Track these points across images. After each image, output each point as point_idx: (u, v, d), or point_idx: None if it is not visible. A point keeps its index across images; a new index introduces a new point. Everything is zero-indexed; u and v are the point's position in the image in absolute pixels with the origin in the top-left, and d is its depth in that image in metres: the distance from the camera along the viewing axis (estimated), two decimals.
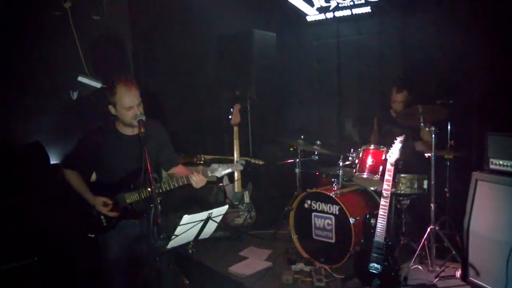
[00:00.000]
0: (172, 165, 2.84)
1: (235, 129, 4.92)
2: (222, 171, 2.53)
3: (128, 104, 2.51)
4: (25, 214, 3.43)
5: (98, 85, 4.50)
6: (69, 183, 2.69)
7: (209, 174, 2.55)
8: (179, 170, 2.83)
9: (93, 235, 2.70)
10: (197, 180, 2.56)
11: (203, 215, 2.32)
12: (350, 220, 3.57)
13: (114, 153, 2.62)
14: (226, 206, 2.46)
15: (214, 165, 2.55)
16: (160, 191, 2.58)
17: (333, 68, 5.52)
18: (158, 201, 2.31)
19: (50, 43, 4.33)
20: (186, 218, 2.21)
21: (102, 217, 2.66)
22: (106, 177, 2.68)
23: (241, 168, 2.64)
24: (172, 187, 2.59)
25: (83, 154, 2.66)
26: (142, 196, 2.59)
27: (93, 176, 2.84)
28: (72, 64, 4.49)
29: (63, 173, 2.70)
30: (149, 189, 2.41)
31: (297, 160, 4.57)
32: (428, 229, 3.50)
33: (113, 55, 5.03)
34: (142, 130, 2.45)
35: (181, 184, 2.58)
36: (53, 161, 4.15)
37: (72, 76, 4.46)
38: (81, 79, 4.39)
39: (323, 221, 3.82)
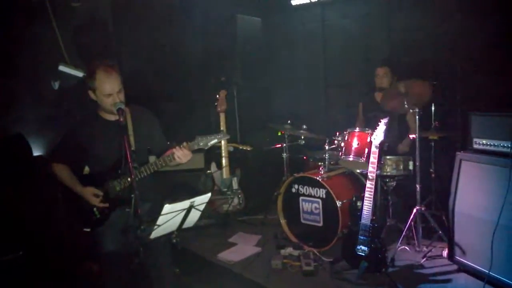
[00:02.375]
0: (162, 150, 2.75)
1: (222, 115, 4.87)
2: (208, 141, 2.50)
3: (108, 91, 2.46)
4: (9, 208, 3.38)
5: (80, 74, 4.40)
6: (58, 177, 2.62)
7: (195, 147, 2.51)
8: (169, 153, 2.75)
9: (89, 229, 2.63)
10: (181, 155, 2.50)
11: (185, 204, 2.29)
12: (337, 203, 3.57)
13: (101, 141, 2.57)
14: (209, 194, 2.42)
15: (199, 137, 2.52)
16: (148, 172, 2.55)
17: (319, 52, 5.48)
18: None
19: (29, 32, 4.22)
20: (167, 207, 2.18)
21: (94, 209, 2.60)
22: (95, 166, 2.64)
23: (228, 137, 2.63)
24: (159, 166, 2.55)
25: (70, 146, 2.61)
26: (124, 185, 2.55)
27: (86, 168, 2.78)
28: (52, 53, 4.38)
29: (51, 167, 2.63)
30: (129, 179, 2.36)
31: (284, 145, 4.56)
32: (414, 210, 3.53)
33: (95, 42, 4.91)
34: (122, 119, 2.39)
35: (168, 162, 2.52)
36: (36, 152, 4.08)
37: (53, 66, 4.36)
38: (62, 68, 4.27)
39: (311, 205, 3.83)
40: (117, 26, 5.18)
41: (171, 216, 2.25)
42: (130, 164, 2.30)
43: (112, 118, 2.59)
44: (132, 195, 2.27)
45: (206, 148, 2.55)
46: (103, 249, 2.61)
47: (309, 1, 5.25)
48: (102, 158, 2.59)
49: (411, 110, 3.55)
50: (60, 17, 4.36)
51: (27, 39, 4.22)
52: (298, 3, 5.33)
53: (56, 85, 4.51)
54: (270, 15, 5.66)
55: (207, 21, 5.41)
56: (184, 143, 2.53)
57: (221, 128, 4.85)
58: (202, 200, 2.37)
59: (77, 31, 4.62)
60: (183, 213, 2.32)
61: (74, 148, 2.59)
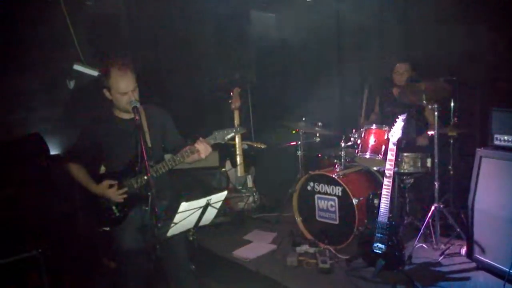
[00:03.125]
0: (178, 148, 2.70)
1: (236, 113, 4.87)
2: (225, 136, 2.53)
3: (123, 90, 2.47)
4: (26, 206, 3.43)
5: (94, 73, 4.43)
6: (73, 177, 2.63)
7: (212, 142, 2.53)
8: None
9: (108, 228, 2.64)
10: (202, 148, 2.50)
11: (202, 202, 2.29)
12: (353, 201, 3.54)
13: (116, 139, 2.59)
14: (225, 192, 2.42)
15: (215, 132, 2.54)
16: (166, 169, 2.56)
17: (334, 47, 5.42)
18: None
19: (44, 32, 4.27)
20: (184, 205, 2.19)
21: (113, 207, 2.61)
22: (111, 165, 2.65)
23: (244, 130, 2.67)
24: (177, 162, 2.55)
25: (85, 145, 2.62)
26: (140, 183, 2.56)
27: (102, 168, 2.79)
28: (67, 52, 4.43)
29: (66, 167, 2.65)
30: (145, 177, 2.37)
31: (299, 142, 4.53)
32: (432, 208, 3.47)
33: (109, 40, 4.95)
34: (137, 117, 2.39)
35: (185, 156, 2.53)
36: (53, 151, 4.14)
37: (68, 65, 4.40)
38: (76, 67, 4.32)
39: (327, 202, 3.80)
40: (130, 23, 5.21)
41: (188, 214, 2.26)
42: (146, 162, 2.31)
43: (127, 116, 2.60)
44: (149, 193, 2.28)
45: (223, 142, 2.56)
46: (121, 247, 2.62)
47: None
48: (118, 157, 2.60)
49: (429, 106, 3.48)
50: (74, 16, 4.40)
51: (41, 38, 4.28)
52: None
53: (71, 84, 4.56)
54: (284, 10, 5.61)
55: (221, 17, 5.39)
56: (200, 138, 2.54)
57: (235, 125, 4.85)
58: (218, 198, 2.37)
59: (91, 29, 4.66)
60: (200, 211, 2.33)
61: (89, 147, 2.61)
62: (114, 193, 2.56)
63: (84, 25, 4.57)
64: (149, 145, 2.58)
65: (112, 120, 2.62)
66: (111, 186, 2.57)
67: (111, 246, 2.75)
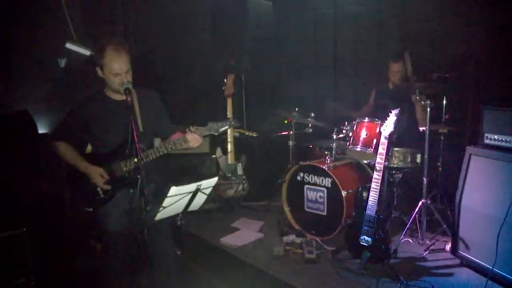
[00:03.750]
0: (169, 134, 2.75)
1: (229, 100, 4.84)
2: (219, 128, 2.53)
3: (116, 70, 2.43)
4: (13, 184, 3.37)
5: (87, 52, 4.35)
6: (61, 156, 2.58)
7: (206, 133, 2.54)
8: (176, 136, 2.72)
9: (91, 209, 2.60)
10: (192, 139, 2.51)
11: (192, 187, 2.28)
12: (342, 193, 3.55)
13: (106, 120, 2.55)
14: (216, 178, 2.41)
15: (210, 123, 2.54)
16: (157, 155, 2.54)
17: (330, 38, 5.39)
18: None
19: (36, 8, 4.17)
20: (173, 189, 2.17)
21: (98, 188, 2.57)
22: (100, 146, 2.61)
23: (238, 124, 2.68)
24: (168, 149, 2.55)
25: (73, 124, 2.59)
26: (130, 167, 2.53)
27: (88, 147, 2.75)
28: (59, 30, 4.33)
29: (53, 145, 2.60)
30: (135, 159, 2.34)
31: (291, 132, 4.52)
32: (420, 203, 3.50)
33: (102, 20, 4.86)
34: (129, 99, 2.35)
35: (178, 145, 2.54)
36: (41, 130, 4.07)
37: (60, 43, 4.31)
38: (69, 45, 4.23)
39: (315, 193, 3.81)
40: (125, 6, 5.12)
41: (177, 198, 2.25)
42: (137, 145, 2.27)
43: (119, 98, 2.56)
44: (138, 176, 2.25)
45: (216, 134, 2.56)
46: (107, 229, 2.59)
47: None
48: (107, 138, 2.57)
49: (422, 102, 3.49)
50: None
51: (34, 16, 4.17)
52: None
53: (62, 63, 4.48)
54: None
55: (217, 3, 5.31)
56: (191, 128, 2.53)
57: (228, 113, 4.82)
58: (208, 184, 2.36)
59: (84, 8, 4.56)
60: (189, 196, 2.31)
61: (78, 126, 2.57)
62: (100, 182, 2.53)
63: (78, 5, 4.47)
64: (140, 129, 2.54)
65: (102, 100, 2.58)
66: (102, 175, 2.53)
67: (97, 227, 2.72)
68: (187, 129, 2.55)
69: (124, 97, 2.39)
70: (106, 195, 2.59)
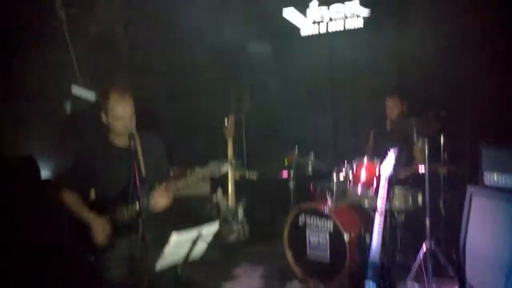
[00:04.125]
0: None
1: (230, 141, 4.88)
2: (221, 169, 2.54)
3: (120, 114, 2.49)
4: (14, 232, 3.35)
5: (92, 97, 4.46)
6: (66, 204, 2.59)
7: (209, 176, 2.56)
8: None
9: (93, 257, 2.56)
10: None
11: (193, 233, 2.24)
12: (345, 236, 3.51)
13: (110, 167, 2.58)
14: (217, 224, 2.38)
15: (212, 163, 2.55)
16: None
17: (327, 80, 5.52)
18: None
19: (44, 54, 4.30)
20: (175, 236, 2.14)
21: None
22: (103, 192, 2.63)
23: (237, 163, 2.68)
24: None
25: (79, 172, 2.62)
26: (132, 213, 2.53)
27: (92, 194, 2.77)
28: (66, 75, 4.45)
29: (59, 194, 2.61)
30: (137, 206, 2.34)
31: (291, 173, 4.52)
32: (424, 247, 3.45)
33: (108, 66, 5.00)
34: (132, 145, 2.39)
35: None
36: (45, 176, 4.08)
37: (66, 88, 4.42)
38: (75, 91, 4.34)
39: (318, 237, 3.75)
40: (130, 51, 5.28)
41: (178, 247, 2.22)
42: (139, 190, 2.28)
43: (122, 142, 2.58)
44: (139, 222, 2.24)
45: (217, 176, 2.57)
46: (107, 277, 2.54)
47: (317, 32, 5.33)
48: (109, 184, 2.58)
49: (420, 141, 3.51)
50: (75, 40, 4.44)
51: (42, 61, 4.29)
52: (307, 34, 5.41)
53: (68, 108, 4.56)
54: (280, 43, 5.73)
55: (218, 48, 5.49)
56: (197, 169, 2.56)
57: (228, 153, 4.85)
58: (210, 230, 2.33)
59: (91, 54, 4.69)
60: (190, 244, 2.28)
61: (83, 174, 2.60)
62: (102, 235, 2.51)
63: (86, 49, 4.60)
64: (143, 173, 2.57)
65: (106, 146, 2.62)
66: (104, 229, 2.52)
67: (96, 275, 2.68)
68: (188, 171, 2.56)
69: (127, 142, 2.41)
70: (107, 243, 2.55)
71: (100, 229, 2.51)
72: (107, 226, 2.53)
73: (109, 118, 2.52)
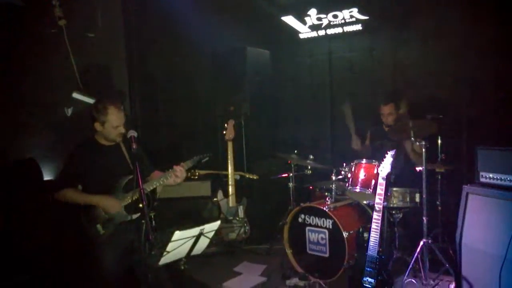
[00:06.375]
0: (149, 173, 3.09)
1: (229, 144, 4.95)
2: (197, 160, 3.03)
3: (117, 124, 2.82)
4: (17, 232, 3.41)
5: (92, 101, 4.51)
6: (70, 200, 2.78)
7: (190, 165, 2.98)
8: (155, 174, 3.08)
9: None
10: (175, 176, 2.87)
11: (195, 231, 2.33)
12: (344, 234, 3.57)
13: (101, 163, 2.82)
14: (218, 222, 2.47)
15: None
16: (151, 188, 2.85)
17: (325, 83, 5.60)
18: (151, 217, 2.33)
19: (45, 60, 4.38)
20: (177, 234, 2.22)
21: (98, 225, 2.73)
22: (91, 187, 2.82)
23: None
24: (154, 186, 2.89)
25: (75, 170, 2.82)
26: (134, 198, 2.73)
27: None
28: (66, 80, 4.52)
29: (60, 194, 2.79)
30: (140, 205, 2.44)
31: (291, 174, 4.59)
32: (421, 243, 3.51)
33: (108, 71, 5.07)
34: (135, 146, 2.61)
35: (161, 182, 2.88)
36: (47, 177, 4.14)
37: (66, 93, 4.48)
38: (75, 95, 4.41)
39: (317, 235, 3.83)
40: (129, 57, 5.35)
41: (181, 242, 2.29)
42: (142, 191, 2.42)
43: (107, 143, 2.90)
44: (143, 221, 2.33)
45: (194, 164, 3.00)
46: (101, 268, 2.69)
47: (316, 35, 5.40)
48: (102, 178, 2.81)
49: (417, 143, 3.59)
50: (75, 46, 4.52)
51: (43, 67, 4.38)
52: (306, 37, 5.49)
53: (69, 112, 4.63)
54: (279, 47, 5.81)
55: (217, 52, 5.57)
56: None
57: (229, 156, 4.92)
58: (211, 227, 2.41)
59: (90, 60, 4.76)
60: (193, 240, 2.35)
61: (78, 171, 2.81)
62: (113, 204, 2.74)
63: (85, 56, 4.68)
64: (131, 166, 2.88)
65: (95, 146, 2.89)
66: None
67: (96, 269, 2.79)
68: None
69: (111, 143, 2.87)
70: (106, 231, 2.74)
71: (110, 202, 2.73)
72: (116, 200, 2.74)
73: (106, 127, 2.81)
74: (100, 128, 2.82)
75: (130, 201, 2.77)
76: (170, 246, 2.25)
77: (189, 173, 3.09)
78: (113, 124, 2.80)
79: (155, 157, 3.41)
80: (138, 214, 2.73)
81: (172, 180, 2.87)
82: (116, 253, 2.70)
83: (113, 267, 2.67)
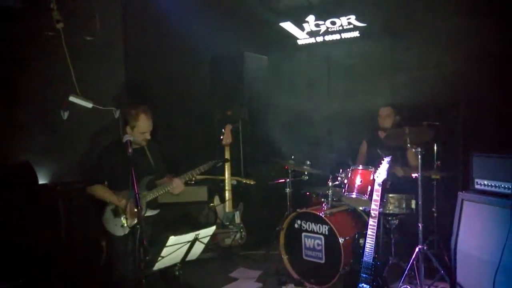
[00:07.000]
0: (164, 175, 3.33)
1: (227, 149, 4.95)
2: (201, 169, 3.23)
3: (145, 130, 3.12)
4: (11, 235, 3.39)
5: (89, 105, 4.50)
6: (98, 195, 3.08)
7: (186, 178, 3.18)
8: (165, 180, 3.28)
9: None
10: (177, 184, 3.12)
11: (190, 236, 2.32)
12: (340, 240, 3.57)
13: (125, 164, 2.87)
14: (214, 227, 2.47)
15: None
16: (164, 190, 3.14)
17: (323, 90, 5.62)
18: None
19: (42, 63, 4.37)
20: (172, 239, 2.21)
21: (122, 217, 2.94)
22: (118, 183, 3.03)
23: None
24: (155, 196, 3.14)
25: (104, 167, 3.13)
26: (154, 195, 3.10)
27: None
28: (63, 84, 4.51)
29: (91, 188, 3.10)
30: (135, 210, 2.44)
31: (288, 180, 4.59)
32: (417, 249, 3.51)
33: (105, 75, 5.06)
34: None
35: (162, 191, 3.13)
36: (42, 181, 4.13)
37: (63, 96, 4.48)
38: (72, 99, 4.39)
39: (313, 241, 3.82)
40: (128, 61, 5.35)
41: (176, 248, 2.28)
42: (137, 195, 2.47)
43: (133, 146, 3.02)
44: (137, 226, 2.33)
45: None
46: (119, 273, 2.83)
47: (314, 41, 5.43)
48: (126, 178, 2.85)
49: (413, 150, 3.60)
50: (72, 50, 4.51)
51: (40, 70, 4.37)
52: (304, 43, 5.52)
53: (65, 115, 4.61)
54: (277, 53, 5.84)
55: (216, 57, 5.58)
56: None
57: (226, 166, 4.91)
58: (206, 233, 2.41)
59: (88, 64, 4.76)
60: (188, 245, 2.35)
61: (107, 169, 3.11)
62: (132, 211, 2.91)
63: (83, 59, 4.67)
64: (153, 166, 3.23)
65: (122, 148, 2.95)
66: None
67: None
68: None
69: (137, 146, 3.12)
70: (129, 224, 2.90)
71: (132, 210, 2.90)
72: (134, 209, 2.86)
73: (134, 132, 3.07)
74: (129, 131, 3.06)
75: (151, 198, 3.07)
76: (165, 251, 2.25)
77: (193, 181, 3.34)
78: (141, 130, 3.09)
79: None
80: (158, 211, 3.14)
81: (171, 190, 3.13)
82: (124, 258, 2.83)
83: (121, 272, 2.82)
